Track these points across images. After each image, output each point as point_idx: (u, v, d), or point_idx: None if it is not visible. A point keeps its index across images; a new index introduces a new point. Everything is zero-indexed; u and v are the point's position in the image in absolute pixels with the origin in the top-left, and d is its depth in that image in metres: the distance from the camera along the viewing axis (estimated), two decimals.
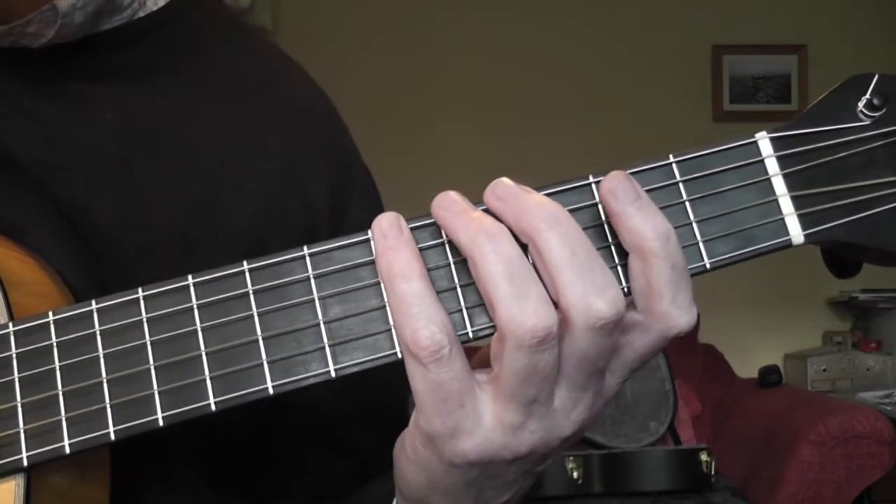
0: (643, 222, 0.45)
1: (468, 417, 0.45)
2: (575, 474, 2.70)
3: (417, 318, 0.44)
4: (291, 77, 0.70)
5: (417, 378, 0.44)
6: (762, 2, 3.81)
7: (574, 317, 0.43)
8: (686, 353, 3.24)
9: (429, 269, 0.47)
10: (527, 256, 0.45)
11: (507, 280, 0.43)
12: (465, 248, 0.45)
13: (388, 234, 0.46)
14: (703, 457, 2.72)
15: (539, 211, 0.44)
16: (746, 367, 3.36)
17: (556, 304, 0.44)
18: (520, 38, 3.74)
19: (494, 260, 0.44)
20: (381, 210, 0.68)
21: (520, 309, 0.43)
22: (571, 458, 2.72)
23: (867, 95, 0.49)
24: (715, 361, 3.41)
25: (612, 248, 0.47)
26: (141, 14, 0.64)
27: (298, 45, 0.71)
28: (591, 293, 0.43)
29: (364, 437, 0.52)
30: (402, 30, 3.74)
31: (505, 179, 0.46)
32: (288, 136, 0.66)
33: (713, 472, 2.72)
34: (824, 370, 3.53)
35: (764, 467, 2.80)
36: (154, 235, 0.61)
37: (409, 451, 0.48)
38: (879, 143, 0.49)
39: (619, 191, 0.46)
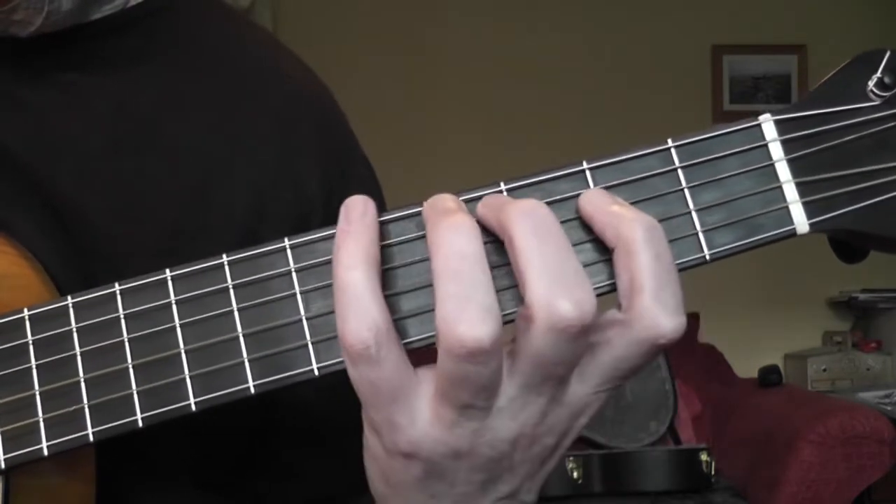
0: (625, 212, 0.43)
1: (402, 413, 0.42)
2: (575, 474, 2.70)
3: (348, 311, 0.41)
4: (286, 66, 0.69)
5: (349, 369, 0.43)
6: (762, 2, 3.81)
7: (535, 313, 0.40)
8: (686, 353, 3.23)
9: (411, 263, 0.45)
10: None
11: (453, 278, 0.40)
12: (428, 239, 0.42)
13: (350, 218, 0.43)
14: (703, 457, 2.72)
15: (520, 203, 0.42)
16: (746, 367, 3.35)
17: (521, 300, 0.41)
18: (520, 38, 3.74)
19: (445, 253, 0.41)
20: (380, 200, 0.66)
21: (455, 313, 0.40)
22: (571, 458, 2.71)
23: (878, 73, 0.46)
24: (715, 361, 3.40)
25: (592, 243, 0.45)
26: (132, 3, 0.62)
27: (298, 45, 0.70)
28: (556, 291, 0.40)
29: (354, 441, 0.51)
30: (402, 30, 3.73)
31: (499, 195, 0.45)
32: (282, 126, 0.64)
33: (713, 472, 2.72)
34: (824, 370, 3.52)
35: (764, 467, 2.80)
36: (144, 227, 0.59)
37: (363, 439, 0.46)
38: (891, 124, 0.46)
39: (595, 196, 0.44)
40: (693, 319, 3.43)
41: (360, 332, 0.41)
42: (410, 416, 0.43)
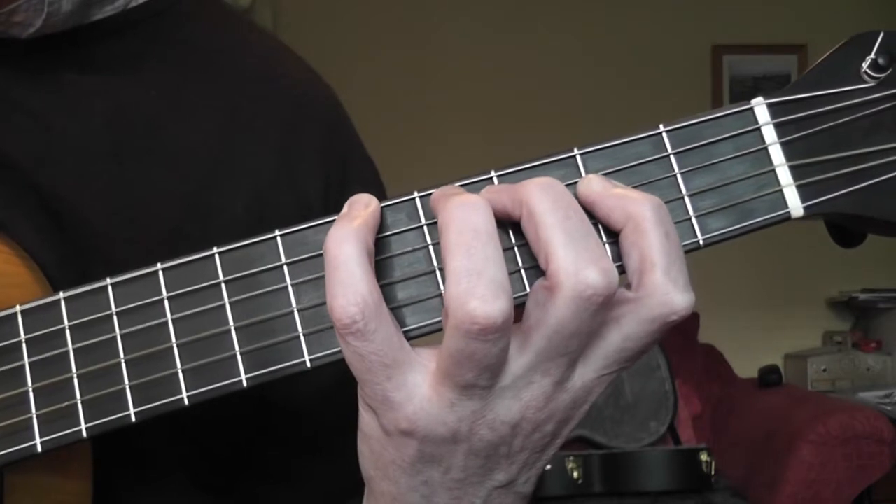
0: (630, 193, 0.43)
1: (397, 390, 0.42)
2: (575, 474, 2.70)
3: (337, 286, 0.41)
4: (289, 68, 0.68)
5: (342, 346, 0.42)
6: (762, 2, 3.81)
7: (562, 281, 0.40)
8: (686, 353, 3.24)
9: (405, 252, 0.45)
10: (516, 248, 0.43)
11: (465, 253, 0.40)
12: (439, 218, 0.42)
13: (352, 207, 0.44)
14: (703, 457, 2.72)
15: (536, 179, 0.42)
16: (746, 367, 3.35)
17: (544, 273, 0.41)
18: (519, 38, 3.74)
19: (458, 228, 0.40)
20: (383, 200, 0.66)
21: (467, 288, 0.39)
22: (571, 458, 2.71)
23: (872, 55, 0.46)
24: (715, 361, 3.41)
25: (600, 226, 0.44)
26: (134, 4, 0.62)
27: (298, 45, 0.70)
28: (583, 260, 0.40)
29: (348, 444, 0.51)
30: (402, 30, 3.74)
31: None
32: (283, 128, 0.64)
33: (713, 472, 2.72)
34: (824, 370, 3.52)
35: (764, 467, 2.80)
36: (144, 230, 0.59)
37: (358, 419, 0.46)
38: (885, 105, 0.46)
39: (596, 182, 0.44)
40: (693, 319, 3.43)
41: (348, 306, 0.41)
42: (406, 393, 0.42)
